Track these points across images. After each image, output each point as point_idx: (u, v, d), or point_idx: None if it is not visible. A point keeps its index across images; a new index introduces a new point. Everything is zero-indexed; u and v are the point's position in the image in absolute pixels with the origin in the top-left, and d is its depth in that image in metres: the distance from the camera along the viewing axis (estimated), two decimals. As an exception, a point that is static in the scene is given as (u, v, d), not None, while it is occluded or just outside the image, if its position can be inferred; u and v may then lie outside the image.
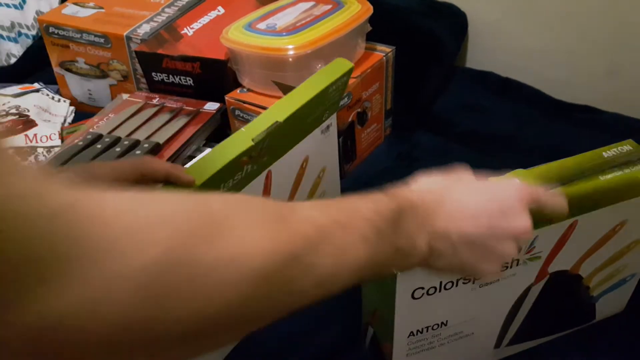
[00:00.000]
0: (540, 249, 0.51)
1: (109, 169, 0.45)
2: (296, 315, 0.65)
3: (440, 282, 0.48)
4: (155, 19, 0.90)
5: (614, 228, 0.54)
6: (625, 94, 0.96)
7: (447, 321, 0.52)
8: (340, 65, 0.59)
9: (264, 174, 0.55)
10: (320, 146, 0.63)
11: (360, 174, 0.86)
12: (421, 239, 0.36)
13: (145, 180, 0.46)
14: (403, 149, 0.90)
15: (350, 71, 0.60)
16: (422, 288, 0.48)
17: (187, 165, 0.50)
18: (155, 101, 0.80)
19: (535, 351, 0.61)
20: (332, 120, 0.63)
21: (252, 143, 0.50)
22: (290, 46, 0.69)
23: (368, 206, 0.34)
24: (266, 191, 0.57)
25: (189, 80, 0.81)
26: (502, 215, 0.38)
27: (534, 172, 0.56)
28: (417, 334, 0.52)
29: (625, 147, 0.58)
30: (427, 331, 0.52)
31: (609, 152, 0.58)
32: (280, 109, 0.54)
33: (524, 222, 0.38)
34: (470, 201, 0.38)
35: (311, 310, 0.64)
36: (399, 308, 0.49)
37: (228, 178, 0.50)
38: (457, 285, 0.49)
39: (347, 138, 0.83)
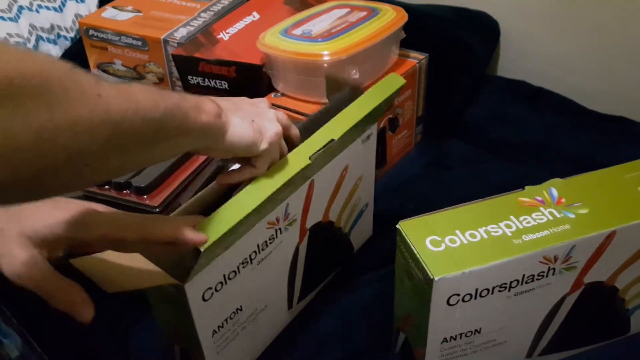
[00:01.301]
0: (576, 259, 0.50)
1: (108, 220, 0.41)
2: (327, 319, 0.66)
3: (476, 289, 0.48)
4: (191, 24, 0.91)
5: (652, 240, 0.53)
6: (660, 105, 0.95)
7: (480, 328, 0.52)
8: (393, 82, 0.61)
9: (307, 183, 0.56)
10: (360, 155, 0.64)
11: (390, 180, 0.86)
12: (206, 101, 0.42)
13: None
14: (433, 156, 0.90)
15: (402, 87, 0.61)
16: (458, 295, 0.48)
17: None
18: (190, 104, 0.82)
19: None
20: (373, 129, 0.64)
21: (309, 162, 0.51)
22: (325, 52, 0.70)
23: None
24: (307, 199, 0.57)
25: (224, 84, 0.82)
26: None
27: (572, 181, 0.56)
28: (450, 340, 0.52)
29: (665, 158, 0.58)
30: (460, 338, 0.52)
31: (648, 163, 0.57)
32: (336, 126, 0.55)
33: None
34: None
35: (341, 315, 0.65)
36: (433, 314, 0.49)
37: (280, 194, 0.50)
38: (492, 292, 0.49)
39: (378, 144, 0.84)
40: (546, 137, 0.92)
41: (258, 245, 0.53)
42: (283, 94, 0.77)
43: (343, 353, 0.61)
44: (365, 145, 0.63)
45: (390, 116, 0.83)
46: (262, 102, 0.52)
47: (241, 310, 0.54)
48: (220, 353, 0.54)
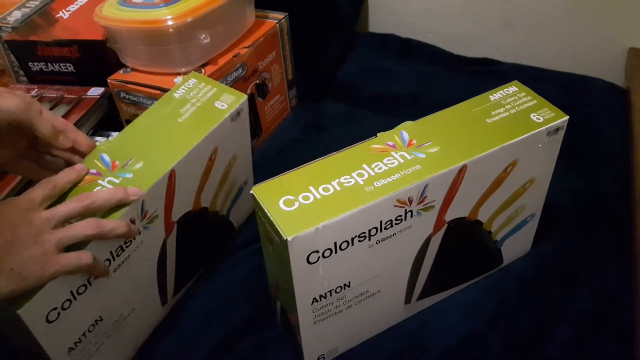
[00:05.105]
0: (432, 198, 0.50)
1: None
2: (206, 299, 0.62)
3: (335, 243, 0.47)
4: (27, 5, 0.82)
5: (506, 169, 0.54)
6: (522, 44, 0.98)
7: (349, 282, 0.51)
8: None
9: (165, 175, 0.51)
10: (230, 134, 0.59)
11: (267, 148, 0.83)
12: None
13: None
14: (309, 119, 0.88)
15: None
16: (317, 251, 0.46)
17: None
18: (33, 92, 0.74)
19: (450, 300, 0.61)
20: (243, 105, 0.59)
21: None
22: (168, 17, 0.65)
23: None
24: (170, 192, 0.52)
25: (70, 66, 0.75)
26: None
27: (422, 122, 0.55)
28: (320, 299, 0.50)
29: (511, 88, 0.59)
30: (330, 295, 0.50)
31: (495, 94, 0.58)
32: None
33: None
34: None
35: (221, 292, 0.62)
36: (296, 275, 0.47)
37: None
38: (352, 243, 0.48)
39: (249, 112, 0.80)
40: (418, 86, 0.92)
41: (111, 253, 0.47)
42: (133, 69, 0.71)
43: (225, 330, 0.58)
44: (237, 122, 0.59)
45: (257, 82, 0.80)
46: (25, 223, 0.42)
47: (101, 320, 0.49)
48: None
